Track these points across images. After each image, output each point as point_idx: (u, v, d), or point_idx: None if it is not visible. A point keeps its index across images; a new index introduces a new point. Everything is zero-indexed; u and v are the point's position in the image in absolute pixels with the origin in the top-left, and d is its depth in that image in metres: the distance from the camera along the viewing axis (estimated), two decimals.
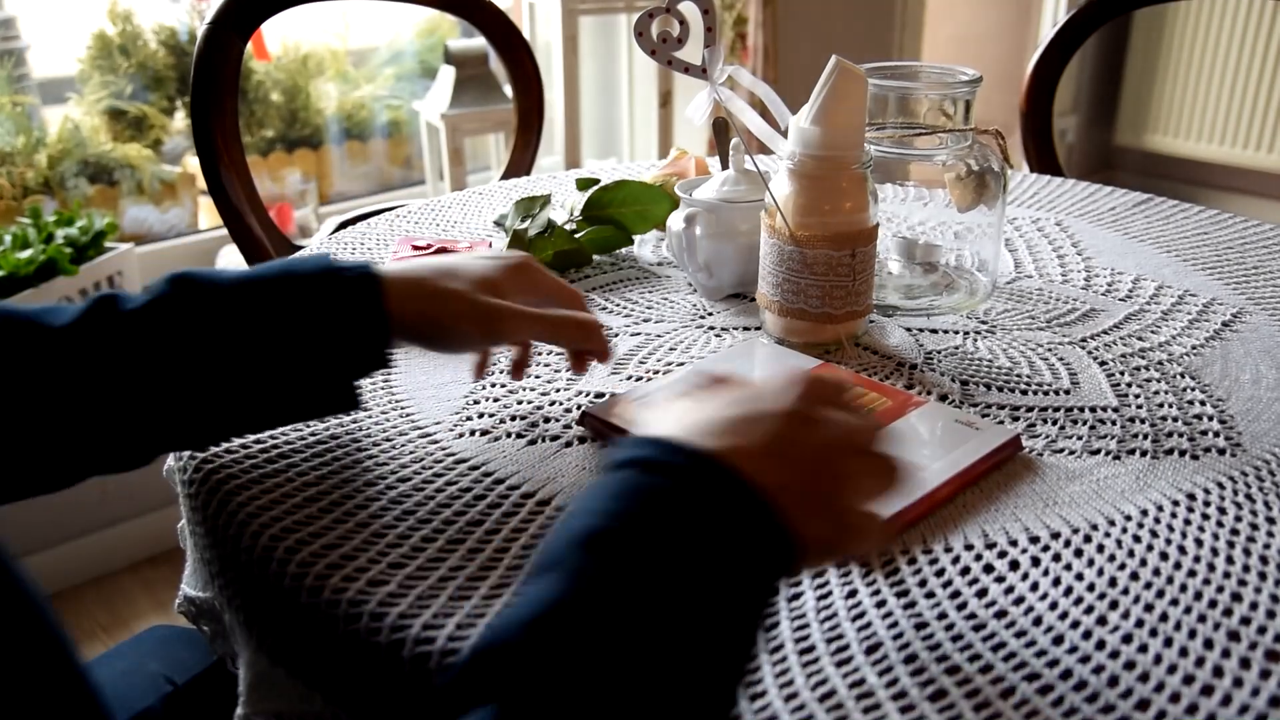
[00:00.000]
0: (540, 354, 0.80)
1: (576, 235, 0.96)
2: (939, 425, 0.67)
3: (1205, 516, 0.59)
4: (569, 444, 0.67)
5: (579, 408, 0.72)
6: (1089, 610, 0.51)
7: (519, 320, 0.64)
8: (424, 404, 0.72)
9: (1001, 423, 0.70)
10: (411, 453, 0.66)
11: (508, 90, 1.70)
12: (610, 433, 0.67)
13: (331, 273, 0.61)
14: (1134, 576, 0.54)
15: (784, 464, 0.44)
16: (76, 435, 0.57)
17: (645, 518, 0.41)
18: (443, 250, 0.88)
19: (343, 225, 1.33)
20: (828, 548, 0.46)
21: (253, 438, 0.67)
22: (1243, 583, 0.54)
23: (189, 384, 0.58)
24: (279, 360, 0.60)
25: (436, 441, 0.67)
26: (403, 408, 0.71)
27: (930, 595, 0.53)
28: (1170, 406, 0.72)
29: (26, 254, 1.63)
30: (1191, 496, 0.61)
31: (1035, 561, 0.55)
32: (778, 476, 0.44)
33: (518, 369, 0.72)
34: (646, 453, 0.44)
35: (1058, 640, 0.49)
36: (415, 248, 0.89)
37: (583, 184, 1.05)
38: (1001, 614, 0.51)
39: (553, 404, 0.72)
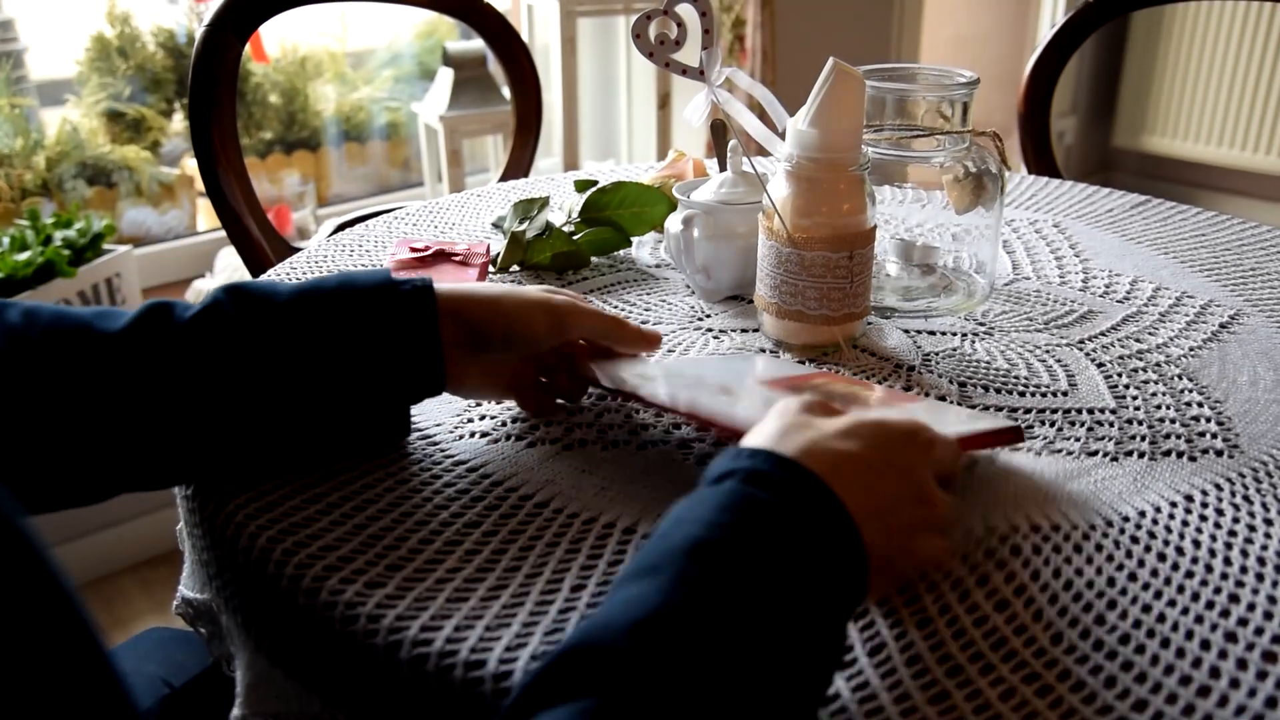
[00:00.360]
0: None
1: (574, 237, 0.96)
2: (944, 412, 0.68)
3: (1203, 518, 0.59)
4: (569, 447, 0.67)
5: (579, 410, 0.72)
6: (1087, 609, 0.52)
7: (583, 311, 0.66)
8: (425, 407, 0.72)
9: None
10: (411, 455, 0.66)
11: (506, 92, 1.70)
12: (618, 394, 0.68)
13: (389, 284, 0.61)
14: (1132, 577, 0.54)
15: (879, 519, 0.47)
16: (121, 445, 0.57)
17: (748, 533, 0.43)
18: (441, 253, 0.88)
19: (341, 227, 1.33)
20: (879, 588, 0.50)
21: None
22: (1240, 584, 0.54)
23: (238, 399, 0.58)
24: (331, 375, 0.59)
25: (436, 444, 0.67)
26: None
27: (930, 593, 0.53)
28: (1168, 408, 0.72)
29: (25, 256, 1.63)
30: (1189, 498, 0.61)
31: (1033, 556, 0.55)
32: (872, 525, 0.47)
33: (574, 390, 0.71)
34: (750, 464, 0.46)
35: (1056, 639, 0.49)
36: (413, 250, 0.89)
37: (581, 186, 1.05)
38: (1001, 612, 0.51)
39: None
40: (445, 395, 0.73)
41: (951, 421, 0.63)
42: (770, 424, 0.50)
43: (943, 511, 0.51)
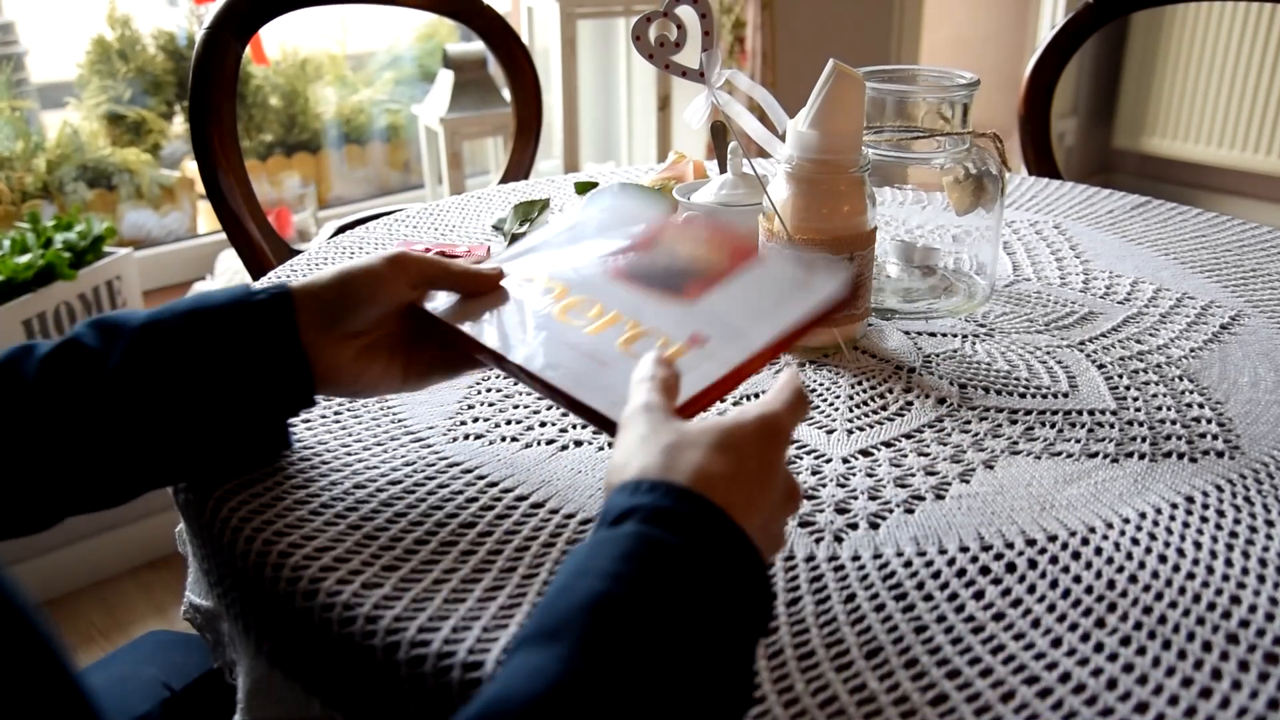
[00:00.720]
0: None
1: None
2: (765, 283, 0.62)
3: (1204, 519, 0.59)
4: (564, 447, 0.67)
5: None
6: (1088, 613, 0.51)
7: (413, 256, 0.63)
8: (417, 410, 0.72)
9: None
10: (404, 457, 0.66)
11: (506, 94, 1.70)
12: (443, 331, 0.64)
13: (243, 299, 0.59)
14: (1133, 579, 0.54)
15: (766, 533, 0.47)
16: None
17: (654, 582, 0.41)
18: (441, 255, 0.88)
19: (342, 229, 1.33)
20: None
21: None
22: (1241, 585, 0.53)
23: (99, 433, 0.56)
24: (195, 396, 0.58)
25: (430, 446, 0.67)
26: (395, 413, 0.71)
27: (928, 599, 0.53)
28: (1168, 409, 0.72)
29: (25, 259, 1.63)
30: (1190, 499, 0.61)
31: (1033, 564, 0.55)
32: (767, 547, 0.47)
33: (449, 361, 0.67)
34: (650, 500, 0.43)
35: (1056, 643, 0.49)
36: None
37: (581, 188, 1.05)
38: (1000, 617, 0.51)
39: (549, 408, 0.72)
40: (437, 398, 0.73)
41: (769, 306, 0.59)
42: (642, 440, 0.47)
43: (799, 489, 0.51)
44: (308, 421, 0.70)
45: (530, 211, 0.98)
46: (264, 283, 0.61)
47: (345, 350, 0.61)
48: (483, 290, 0.64)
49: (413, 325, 0.64)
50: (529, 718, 0.36)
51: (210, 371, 0.58)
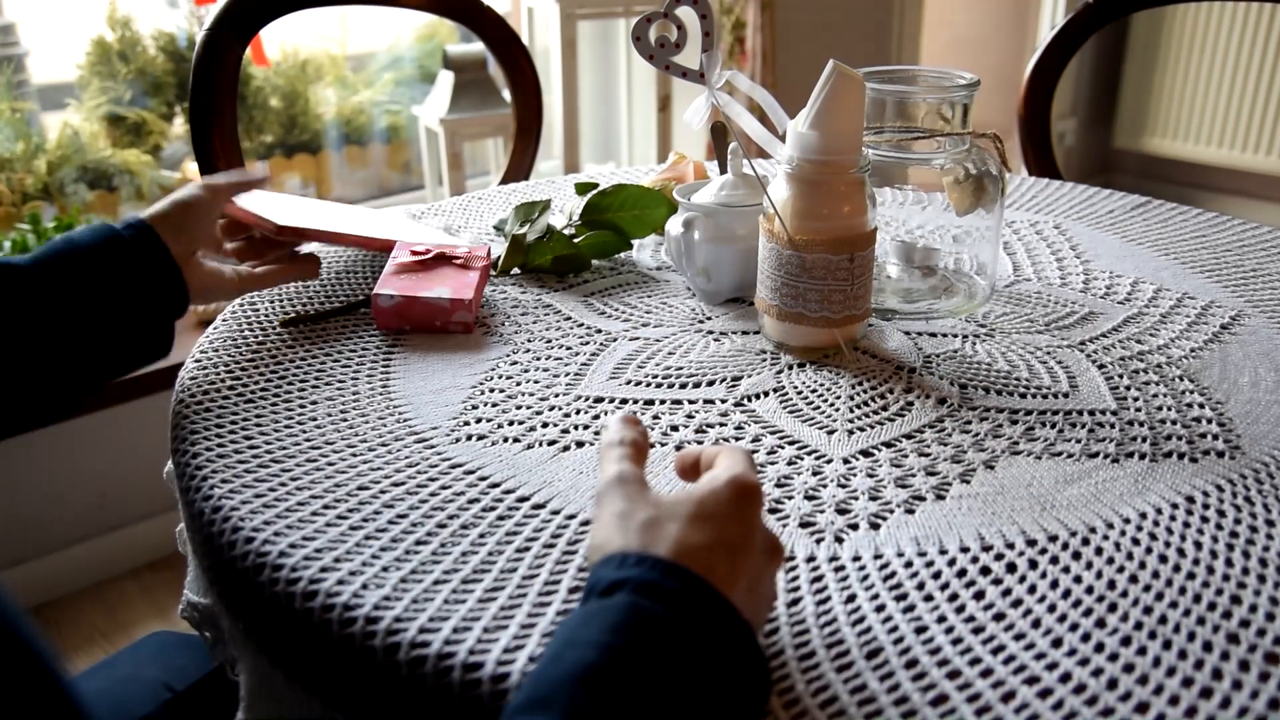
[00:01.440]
0: (538, 359, 0.80)
1: (575, 240, 0.96)
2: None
3: (1204, 519, 0.59)
4: (566, 448, 0.67)
5: (577, 411, 0.72)
6: (1088, 613, 0.51)
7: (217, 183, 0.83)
8: (421, 409, 0.72)
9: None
10: (407, 458, 0.66)
11: (506, 95, 1.71)
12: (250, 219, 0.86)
13: (113, 236, 0.75)
14: (1133, 579, 0.54)
15: (754, 597, 0.47)
16: None
17: (644, 654, 0.41)
18: (441, 255, 0.88)
19: None
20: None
21: (247, 443, 0.67)
22: (1242, 585, 0.53)
23: (14, 351, 0.69)
24: (88, 318, 0.72)
25: (433, 446, 0.67)
26: (400, 413, 0.71)
27: (929, 599, 0.53)
28: (1169, 409, 0.72)
29: None
30: (1190, 499, 0.61)
31: (1033, 565, 0.55)
32: (750, 607, 0.46)
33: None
34: (638, 573, 0.44)
35: (1057, 643, 0.49)
36: (414, 252, 0.89)
37: (581, 188, 1.05)
38: (1000, 617, 0.51)
39: (551, 409, 0.72)
40: (440, 398, 0.73)
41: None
42: (620, 518, 0.47)
43: (780, 543, 0.50)
44: (314, 420, 0.70)
45: (531, 212, 0.98)
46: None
47: (199, 268, 0.81)
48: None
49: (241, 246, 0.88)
50: None
51: (104, 302, 0.73)
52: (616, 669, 0.40)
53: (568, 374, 0.77)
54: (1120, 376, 0.76)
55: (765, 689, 0.45)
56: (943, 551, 0.56)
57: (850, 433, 0.69)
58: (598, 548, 0.47)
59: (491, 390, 0.75)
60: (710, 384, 0.76)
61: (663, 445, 0.68)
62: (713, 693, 0.42)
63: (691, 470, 0.55)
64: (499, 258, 0.96)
